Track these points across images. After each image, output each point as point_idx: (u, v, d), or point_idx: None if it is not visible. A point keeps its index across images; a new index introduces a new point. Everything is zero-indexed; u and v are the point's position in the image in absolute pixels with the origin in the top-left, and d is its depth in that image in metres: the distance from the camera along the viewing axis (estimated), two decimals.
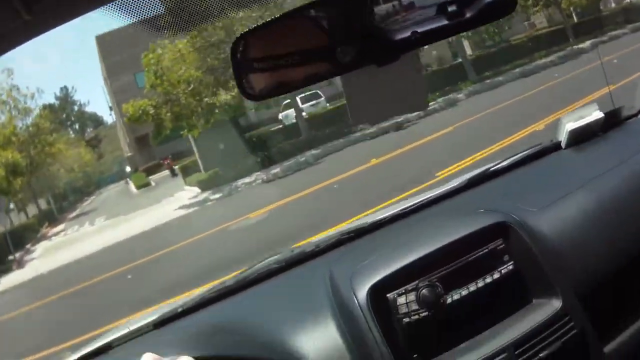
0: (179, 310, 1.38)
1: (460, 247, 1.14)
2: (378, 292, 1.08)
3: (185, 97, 14.11)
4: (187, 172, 17.78)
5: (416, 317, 1.06)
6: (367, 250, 1.26)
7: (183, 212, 13.10)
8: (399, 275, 1.09)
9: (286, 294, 1.32)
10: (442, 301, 1.07)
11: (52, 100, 41.50)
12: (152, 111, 14.65)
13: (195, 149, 17.04)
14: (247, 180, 13.88)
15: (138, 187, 24.57)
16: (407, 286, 1.08)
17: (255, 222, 8.78)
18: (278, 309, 1.25)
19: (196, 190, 15.30)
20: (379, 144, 12.37)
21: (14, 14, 0.63)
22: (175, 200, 15.13)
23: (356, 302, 1.07)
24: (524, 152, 1.61)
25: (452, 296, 1.09)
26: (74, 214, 26.05)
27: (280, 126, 18.60)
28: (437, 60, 22.26)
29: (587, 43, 18.31)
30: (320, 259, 1.39)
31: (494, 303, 1.13)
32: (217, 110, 14.38)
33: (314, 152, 14.36)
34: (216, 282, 1.46)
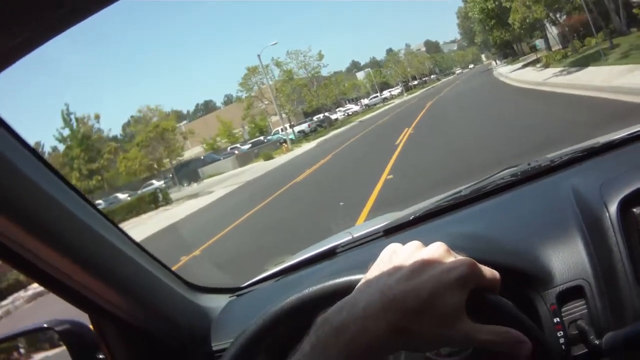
0: (411, 217, 1.35)
1: None
2: (626, 205, 1.05)
3: None
4: None
5: None
6: (608, 166, 1.23)
7: None
8: None
9: (527, 206, 1.27)
10: None
11: None
12: None
13: None
14: None
15: None
16: None
17: None
18: (521, 220, 1.20)
19: None
20: None
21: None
22: None
23: (607, 214, 1.04)
24: None
25: None
26: None
27: None
28: None
29: None
30: (559, 174, 1.36)
31: None
32: None
33: None
34: (449, 192, 1.46)
